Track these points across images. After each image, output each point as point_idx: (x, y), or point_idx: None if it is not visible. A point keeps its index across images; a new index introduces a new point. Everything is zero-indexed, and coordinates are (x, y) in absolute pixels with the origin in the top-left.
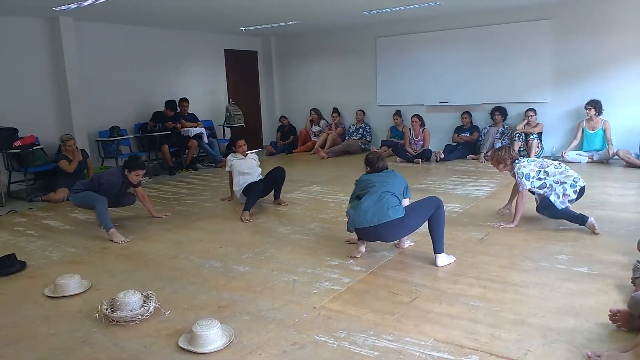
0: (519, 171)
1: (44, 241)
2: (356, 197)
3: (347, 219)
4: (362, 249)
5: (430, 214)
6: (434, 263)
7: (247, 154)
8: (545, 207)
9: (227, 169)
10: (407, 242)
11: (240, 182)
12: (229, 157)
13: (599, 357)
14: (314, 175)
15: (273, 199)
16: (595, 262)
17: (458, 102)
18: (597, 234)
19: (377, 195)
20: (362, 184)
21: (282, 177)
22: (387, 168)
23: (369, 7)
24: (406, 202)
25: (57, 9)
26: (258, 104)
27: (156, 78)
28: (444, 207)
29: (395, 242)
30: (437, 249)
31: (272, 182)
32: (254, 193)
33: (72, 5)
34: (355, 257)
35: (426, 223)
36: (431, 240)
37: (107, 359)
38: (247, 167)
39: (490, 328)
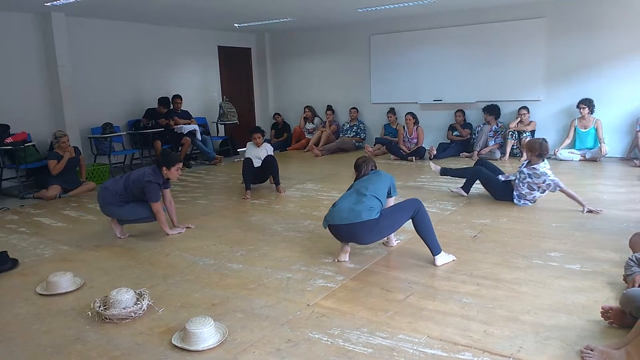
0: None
1: (36, 238)
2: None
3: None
4: (346, 253)
5: (409, 216)
6: (429, 262)
7: (261, 145)
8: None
9: (246, 155)
10: (395, 240)
11: None
12: (248, 143)
13: (592, 351)
14: (308, 172)
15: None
16: (588, 260)
17: (452, 100)
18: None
19: (355, 196)
20: (353, 184)
21: (273, 162)
22: (373, 169)
23: (362, 5)
24: (391, 201)
25: (48, 4)
26: (252, 101)
27: (149, 75)
28: (438, 205)
29: (384, 240)
30: (434, 251)
31: (265, 167)
32: (247, 171)
33: (63, 1)
34: (341, 261)
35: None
36: (425, 244)
37: (100, 357)
38: (257, 154)
39: (483, 325)
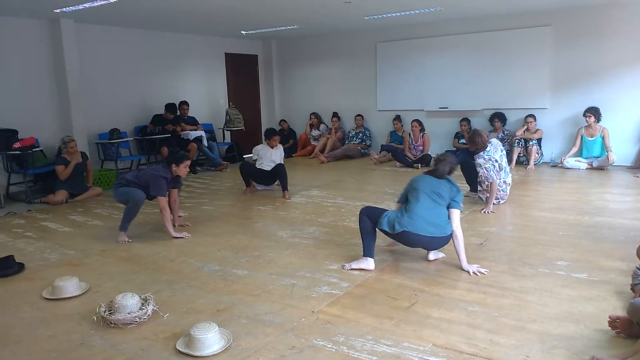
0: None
1: (42, 243)
2: (405, 198)
3: (386, 214)
4: (366, 263)
5: None
6: (435, 270)
7: (275, 147)
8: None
9: (253, 157)
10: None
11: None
12: (258, 146)
13: None
14: (314, 179)
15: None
16: (595, 269)
17: (458, 108)
18: None
19: (431, 202)
20: (414, 183)
21: (282, 170)
22: (449, 174)
23: (369, 12)
24: (456, 214)
25: (58, 11)
26: (258, 108)
27: (156, 81)
28: None
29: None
30: None
31: (273, 173)
32: (245, 172)
33: (73, 8)
34: (354, 268)
35: None
36: None
37: None
38: (268, 156)
39: (489, 333)
